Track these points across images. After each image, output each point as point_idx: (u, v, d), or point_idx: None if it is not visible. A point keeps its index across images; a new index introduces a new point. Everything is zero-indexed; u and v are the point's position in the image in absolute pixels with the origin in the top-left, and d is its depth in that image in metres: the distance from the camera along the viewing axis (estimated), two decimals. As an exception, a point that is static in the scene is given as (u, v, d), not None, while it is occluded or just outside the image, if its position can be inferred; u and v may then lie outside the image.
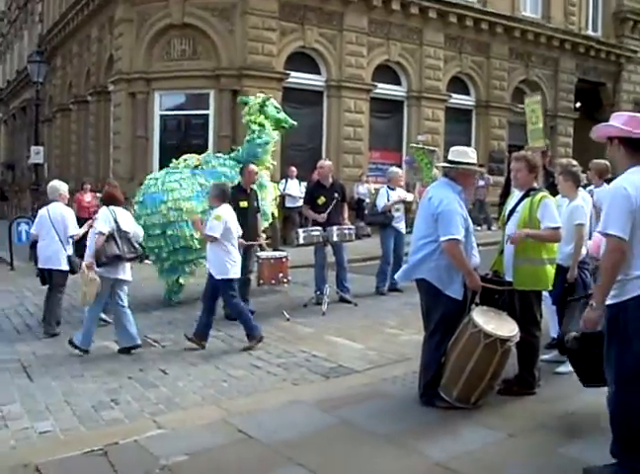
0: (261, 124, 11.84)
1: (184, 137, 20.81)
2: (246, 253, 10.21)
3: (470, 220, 6.20)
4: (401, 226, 12.10)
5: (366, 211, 14.35)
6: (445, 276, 5.99)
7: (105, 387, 7.03)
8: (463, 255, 5.94)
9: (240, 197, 10.23)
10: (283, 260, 10.24)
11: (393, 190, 12.11)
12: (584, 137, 6.75)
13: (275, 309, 10.49)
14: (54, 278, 9.66)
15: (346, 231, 10.75)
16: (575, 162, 7.77)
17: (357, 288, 11.72)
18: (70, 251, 9.72)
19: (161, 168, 19.40)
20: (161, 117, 20.84)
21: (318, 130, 21.40)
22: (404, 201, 12.18)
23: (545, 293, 6.63)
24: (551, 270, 6.30)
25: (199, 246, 10.78)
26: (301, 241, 10.49)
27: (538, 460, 4.86)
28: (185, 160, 12.15)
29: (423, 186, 12.43)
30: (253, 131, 11.85)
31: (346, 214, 11.41)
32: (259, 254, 10.26)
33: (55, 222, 9.56)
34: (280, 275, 10.11)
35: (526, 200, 6.28)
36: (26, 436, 5.80)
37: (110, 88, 22.68)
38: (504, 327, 5.90)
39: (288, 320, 9.87)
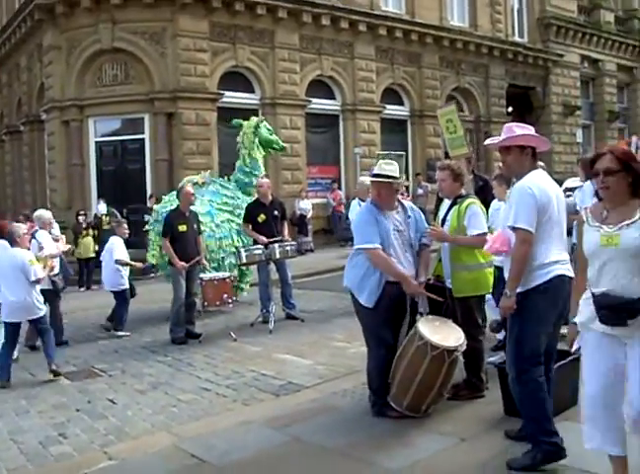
0: (253, 158, 12.57)
1: (121, 163, 20.71)
2: (189, 276, 10.18)
3: (406, 230, 6.21)
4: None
5: (337, 226, 13.84)
6: (359, 284, 6.11)
7: (52, 422, 6.89)
8: (388, 261, 6.00)
9: (179, 220, 10.24)
10: (227, 280, 10.18)
11: (364, 201, 11.83)
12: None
13: (221, 330, 10.42)
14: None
15: (287, 248, 10.74)
16: None
17: (303, 304, 11.73)
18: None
19: (99, 196, 19.45)
20: (96, 143, 20.69)
21: (255, 148, 21.41)
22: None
23: (489, 296, 6.73)
24: (490, 273, 6.39)
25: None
26: (244, 260, 10.48)
27: (490, 462, 4.91)
28: (190, 181, 12.48)
29: (421, 186, 12.08)
30: (245, 159, 12.65)
31: (286, 231, 11.41)
32: (202, 276, 10.21)
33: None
34: (225, 295, 10.04)
35: (454, 208, 6.40)
36: (-29, 480, 5.67)
37: (42, 117, 22.43)
38: (450, 336, 5.94)
39: (236, 340, 9.81)
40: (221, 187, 12.70)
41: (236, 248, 11.20)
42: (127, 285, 11.21)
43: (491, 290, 6.45)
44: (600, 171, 4.06)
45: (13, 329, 8.57)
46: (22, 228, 8.97)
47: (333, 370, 7.86)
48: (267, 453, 5.48)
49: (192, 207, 10.79)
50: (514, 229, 4.83)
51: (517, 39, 29.74)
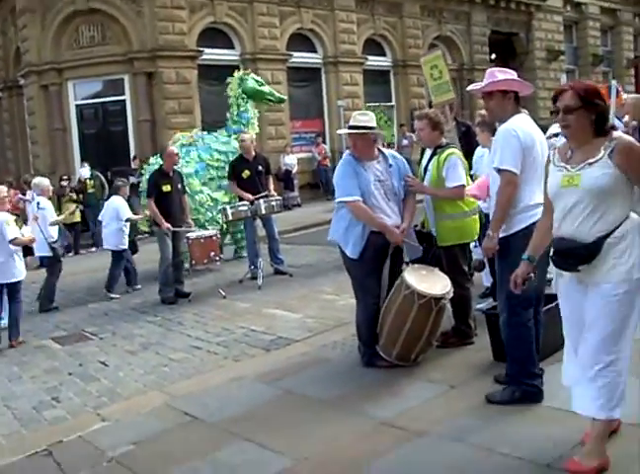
0: (241, 109, 12.70)
1: (103, 125, 20.51)
2: (175, 235, 10.15)
3: (388, 179, 6.16)
4: None
5: (323, 180, 13.47)
6: (343, 236, 6.13)
7: (44, 386, 6.90)
8: (368, 213, 6.00)
9: (163, 181, 10.19)
10: (214, 238, 10.16)
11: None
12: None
13: (210, 288, 10.44)
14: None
15: (273, 203, 10.69)
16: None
17: (291, 259, 11.74)
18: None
19: (82, 160, 19.28)
20: (77, 106, 20.44)
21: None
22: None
23: (474, 243, 6.74)
24: (474, 220, 6.39)
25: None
26: (229, 217, 10.44)
27: (480, 408, 4.95)
28: (179, 139, 12.74)
29: (406, 137, 11.69)
30: (233, 110, 12.81)
31: (271, 186, 11.36)
32: (188, 235, 10.17)
33: None
34: (212, 253, 10.02)
35: (434, 159, 6.37)
36: (-33, 446, 5.68)
37: (20, 82, 22.11)
38: (436, 284, 5.96)
39: (225, 297, 9.84)
40: (212, 141, 12.68)
41: (223, 207, 11.15)
42: (127, 245, 11.36)
43: (476, 238, 6.46)
44: (560, 108, 3.88)
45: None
46: (1, 191, 8.91)
47: (322, 323, 7.89)
48: (259, 407, 5.51)
49: (177, 167, 10.73)
50: (499, 171, 4.85)
51: (498, -16, 29.38)
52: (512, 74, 5.11)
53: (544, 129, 14.49)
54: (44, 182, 10.96)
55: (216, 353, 7.36)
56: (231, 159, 11.86)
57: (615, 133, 3.85)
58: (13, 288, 8.72)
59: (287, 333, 7.66)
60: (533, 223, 4.76)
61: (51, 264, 10.48)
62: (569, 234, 3.83)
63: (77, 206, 15.81)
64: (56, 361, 7.75)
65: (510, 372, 5.07)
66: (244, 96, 12.71)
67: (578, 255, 3.79)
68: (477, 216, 6.43)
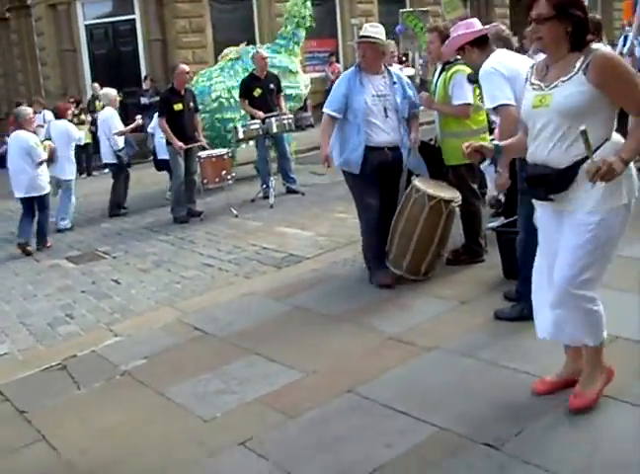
0: (299, 23, 13.14)
1: (113, 46, 20.18)
2: (187, 154, 10.10)
3: (391, 95, 6.11)
4: None
5: None
6: (339, 151, 6.18)
7: (59, 304, 6.99)
8: (323, 128, 6.17)
9: (174, 99, 10.10)
10: (225, 157, 10.09)
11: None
12: (521, 10, 6.62)
13: (222, 207, 10.41)
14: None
15: (285, 121, 10.57)
16: (504, 27, 7.66)
17: (303, 178, 11.67)
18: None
19: (93, 80, 19.09)
20: (86, 27, 20.06)
21: (249, 24, 20.81)
22: None
23: (485, 164, 6.65)
24: (483, 139, 6.20)
25: None
26: (241, 136, 10.35)
27: (489, 324, 4.96)
28: (227, 54, 13.11)
29: (421, 56, 11.25)
30: (289, 25, 13.20)
31: (283, 105, 11.22)
32: (200, 154, 10.11)
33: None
34: (224, 172, 9.98)
35: (442, 75, 6.24)
36: (-16, 362, 5.78)
37: (28, 1, 21.70)
38: (445, 191, 6.00)
39: (237, 216, 9.84)
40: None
41: (234, 125, 11.06)
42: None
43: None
44: (532, 18, 3.47)
45: (27, 204, 9.60)
46: (28, 111, 9.92)
47: (333, 241, 7.89)
48: (268, 323, 5.56)
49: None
50: (495, 110, 4.91)
51: None
52: (464, 27, 5.32)
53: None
54: (112, 93, 11.57)
55: (227, 270, 7.40)
56: (276, 74, 11.83)
57: (594, 45, 3.44)
58: (42, 200, 9.62)
59: (298, 250, 7.68)
60: None
61: (117, 171, 11.36)
62: (541, 160, 3.51)
63: (88, 128, 15.75)
64: (70, 280, 7.82)
65: (520, 289, 5.04)
66: (305, 16, 13.07)
67: (550, 182, 3.47)
68: (487, 135, 6.31)
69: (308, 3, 13.22)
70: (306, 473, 3.43)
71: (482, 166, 6.61)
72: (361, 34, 6.15)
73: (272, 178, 10.61)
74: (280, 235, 8.48)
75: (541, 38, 3.47)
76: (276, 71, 11.97)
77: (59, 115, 11.08)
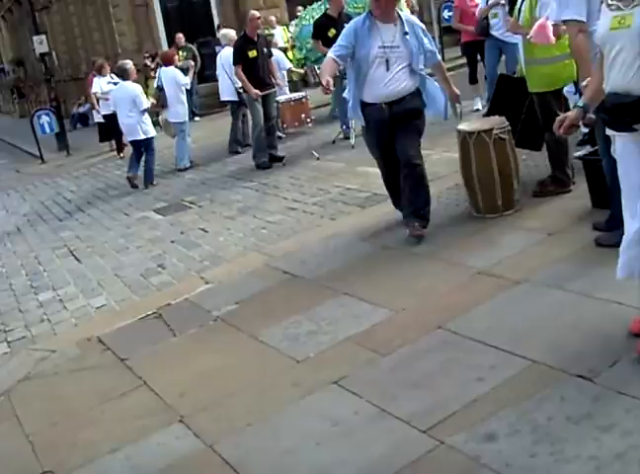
0: None
1: (185, -4, 20.18)
2: (265, 100, 10.11)
3: (402, 45, 5.73)
4: (508, 35, 9.15)
5: None
6: (349, 102, 6.14)
7: (149, 255, 7.19)
8: (325, 68, 5.87)
9: (248, 47, 10.09)
10: (303, 100, 10.08)
11: None
12: None
13: (303, 150, 10.41)
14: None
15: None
16: None
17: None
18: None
19: (168, 34, 19.17)
20: (157, -20, 20.12)
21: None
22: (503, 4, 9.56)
23: (569, 87, 6.44)
24: (566, 65, 6.00)
25: None
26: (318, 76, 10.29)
27: (578, 253, 4.85)
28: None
29: None
30: None
31: None
32: (278, 98, 10.11)
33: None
34: (303, 115, 10.00)
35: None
36: (84, 314, 6.01)
37: (99, -42, 21.86)
38: (489, 122, 6.04)
39: (318, 159, 9.85)
40: None
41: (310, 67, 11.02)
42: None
43: (570, 82, 6.15)
44: None
45: (134, 145, 10.78)
46: (129, 63, 11.01)
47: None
48: (356, 263, 5.59)
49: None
50: (563, 23, 4.68)
51: None
52: None
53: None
54: (231, 32, 12.04)
55: (312, 213, 7.44)
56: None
57: None
58: (148, 143, 10.68)
59: (382, 190, 7.49)
60: None
61: (235, 108, 11.72)
62: (622, 87, 3.22)
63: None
64: (159, 231, 8.02)
65: (618, 215, 4.86)
66: None
67: (635, 111, 3.18)
68: (572, 60, 6.08)
69: None
70: (400, 409, 3.46)
71: (565, 90, 6.42)
72: None
73: (351, 118, 10.52)
74: (362, 175, 8.44)
75: None
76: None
77: (167, 61, 11.71)
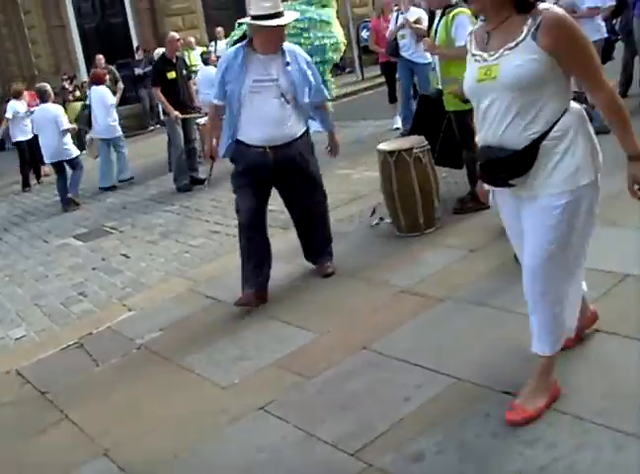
0: None
1: (101, 18, 19.97)
2: (185, 122, 10.04)
3: (283, 79, 5.05)
4: (417, 55, 9.95)
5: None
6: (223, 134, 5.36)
7: (70, 283, 7.02)
8: (211, 119, 5.52)
9: (166, 68, 10.00)
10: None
11: (404, 13, 10.33)
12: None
13: (225, 173, 10.19)
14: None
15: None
16: None
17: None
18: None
19: (85, 55, 18.93)
20: (73, 1, 19.81)
21: (238, -16, 20.60)
22: (413, 26, 9.88)
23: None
24: None
25: None
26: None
27: (499, 268, 4.92)
28: None
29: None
30: None
31: None
32: (199, 121, 10.06)
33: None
34: (224, 138, 9.93)
35: (443, 19, 6.14)
36: (2, 346, 5.81)
37: (13, -21, 21.46)
38: (409, 142, 6.14)
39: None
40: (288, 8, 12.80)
41: None
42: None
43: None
44: None
45: (58, 167, 10.67)
46: (47, 86, 10.86)
47: (339, 198, 7.81)
48: (280, 284, 5.57)
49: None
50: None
51: None
52: None
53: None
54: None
55: (235, 235, 7.19)
56: (307, 26, 12.03)
57: (542, 5, 2.96)
58: (74, 162, 10.70)
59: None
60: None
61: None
62: (495, 141, 3.05)
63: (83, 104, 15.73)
64: (80, 258, 7.84)
65: None
66: None
67: (508, 166, 3.02)
68: None
69: None
70: (327, 432, 3.45)
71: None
72: (254, 12, 4.91)
73: (222, 157, 10.51)
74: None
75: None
76: (307, 24, 11.82)
77: (98, 80, 11.64)
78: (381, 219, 6.41)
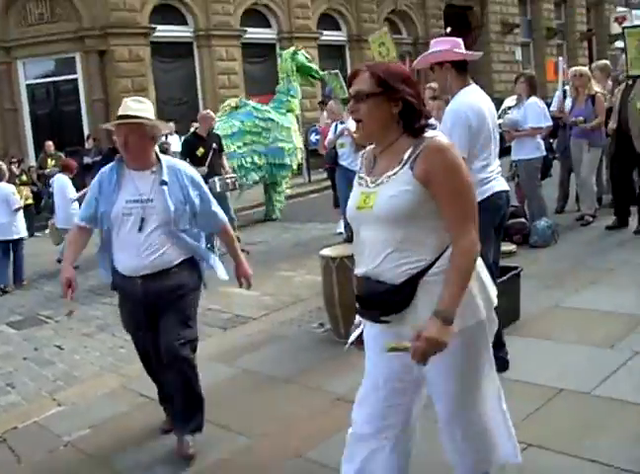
0: (291, 82, 14.10)
1: (55, 105, 20.15)
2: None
3: (159, 199, 4.28)
4: (355, 164, 10.46)
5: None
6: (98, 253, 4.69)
7: (-1, 372, 6.83)
8: (71, 241, 4.76)
9: (197, 144, 10.85)
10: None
11: (343, 123, 10.58)
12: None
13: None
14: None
15: (228, 180, 10.63)
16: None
17: (247, 236, 11.67)
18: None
19: (35, 140, 18.94)
20: (27, 86, 20.00)
21: (192, 83, 21.03)
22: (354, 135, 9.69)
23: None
24: None
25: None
26: (219, 189, 10.31)
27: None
28: (229, 104, 14.02)
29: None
30: (283, 83, 14.31)
31: (225, 163, 11.33)
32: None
33: None
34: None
35: None
36: None
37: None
38: (351, 249, 6.18)
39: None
40: (254, 109, 13.82)
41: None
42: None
43: None
44: (351, 95, 2.83)
45: (3, 246, 10.70)
46: (2, 165, 11.15)
47: (279, 300, 7.89)
48: (216, 387, 5.47)
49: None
50: None
51: (450, -43, 29.39)
52: (450, 43, 4.91)
53: (500, 102, 14.52)
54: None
55: (174, 333, 7.29)
56: (269, 126, 13.42)
57: (430, 133, 2.79)
58: (18, 243, 10.83)
59: (244, 311, 7.65)
60: (490, 196, 4.77)
61: None
62: (372, 273, 2.80)
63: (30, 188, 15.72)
64: (11, 347, 7.64)
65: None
66: (294, 70, 13.97)
67: (384, 302, 2.76)
68: None
69: (300, 56, 14.07)
70: None
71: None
72: (120, 112, 4.29)
73: (216, 237, 10.57)
74: (225, 295, 8.40)
75: (361, 120, 2.81)
76: (269, 124, 13.43)
77: (66, 169, 11.80)
78: (321, 325, 6.42)
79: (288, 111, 14.11)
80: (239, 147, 13.21)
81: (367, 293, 2.83)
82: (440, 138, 2.76)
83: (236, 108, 13.79)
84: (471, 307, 2.76)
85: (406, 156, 2.73)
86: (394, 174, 2.74)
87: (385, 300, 2.75)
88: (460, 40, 5.01)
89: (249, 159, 13.39)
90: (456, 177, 2.71)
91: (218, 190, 10.43)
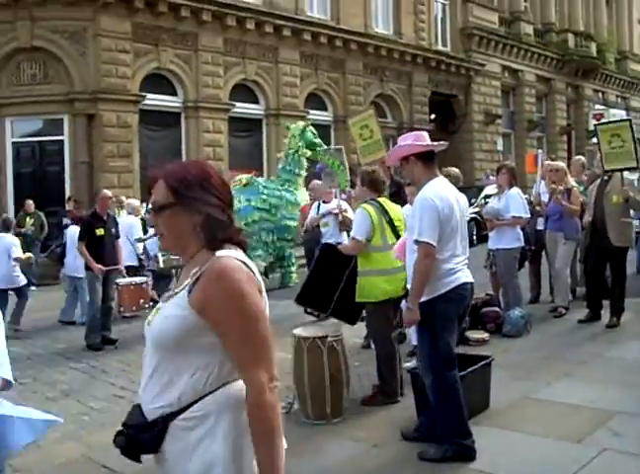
0: (298, 159, 14.29)
1: (39, 165, 20.14)
2: (106, 280, 9.97)
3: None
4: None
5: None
6: None
7: (-43, 433, 6.65)
8: None
9: (96, 224, 10.00)
10: (144, 285, 10.03)
11: (326, 202, 11.05)
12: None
13: (138, 336, 10.07)
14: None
15: (173, 257, 10.51)
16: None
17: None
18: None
19: (16, 198, 18.91)
20: (13, 144, 20.03)
21: (177, 152, 21.15)
22: (336, 214, 10.36)
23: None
24: (378, 281, 6.34)
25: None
26: (161, 264, 10.29)
27: (402, 468, 4.94)
28: (240, 180, 14.35)
29: (345, 193, 11.21)
30: (290, 159, 14.43)
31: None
32: (118, 281, 10.01)
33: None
34: (142, 300, 9.91)
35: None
36: None
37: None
38: (325, 329, 6.31)
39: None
40: (263, 187, 14.23)
41: (155, 255, 11.02)
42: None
43: (381, 299, 6.36)
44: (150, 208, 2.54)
45: (2, 294, 10.91)
46: (11, 218, 12.44)
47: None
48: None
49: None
50: (417, 242, 4.90)
51: (440, 47, 30.15)
52: (412, 137, 5.20)
53: (480, 190, 14.65)
54: (136, 202, 13.58)
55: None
56: (274, 203, 14.02)
57: (222, 252, 2.36)
58: (20, 291, 11.12)
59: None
60: (456, 286, 4.90)
61: (134, 272, 11.81)
62: (141, 399, 2.48)
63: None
64: (-29, 407, 7.47)
65: (441, 433, 5.07)
66: (303, 147, 14.14)
67: (137, 438, 2.40)
68: (386, 277, 6.34)
69: (308, 134, 14.23)
70: None
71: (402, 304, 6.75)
72: None
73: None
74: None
75: (162, 233, 2.47)
76: (276, 202, 13.83)
77: (75, 220, 12.11)
78: (290, 404, 6.36)
79: (295, 189, 14.35)
80: (246, 224, 13.44)
81: (125, 425, 2.45)
82: (224, 261, 2.33)
83: (246, 185, 14.10)
84: (221, 467, 2.31)
85: (190, 275, 2.36)
86: (176, 294, 2.40)
87: (139, 437, 2.39)
88: (424, 133, 5.30)
89: (255, 237, 13.79)
90: (239, 311, 2.28)
91: (162, 266, 10.29)
